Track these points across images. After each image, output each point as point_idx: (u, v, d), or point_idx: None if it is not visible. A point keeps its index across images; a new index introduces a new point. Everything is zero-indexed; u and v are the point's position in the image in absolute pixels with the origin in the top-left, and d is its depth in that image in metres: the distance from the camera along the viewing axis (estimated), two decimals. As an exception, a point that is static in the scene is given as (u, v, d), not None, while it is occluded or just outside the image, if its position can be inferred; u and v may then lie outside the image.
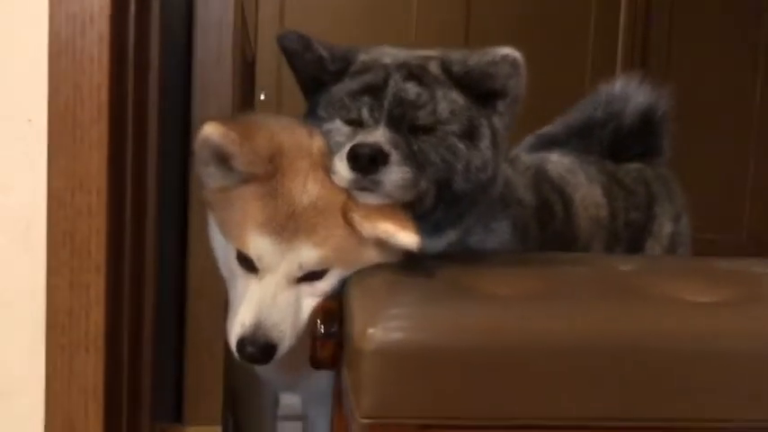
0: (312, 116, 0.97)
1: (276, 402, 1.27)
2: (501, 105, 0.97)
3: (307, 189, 0.85)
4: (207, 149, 0.81)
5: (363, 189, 0.87)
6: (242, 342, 0.82)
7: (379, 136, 0.87)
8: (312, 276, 0.85)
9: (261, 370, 1.05)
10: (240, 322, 0.83)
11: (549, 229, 1.19)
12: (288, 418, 1.45)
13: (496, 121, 0.97)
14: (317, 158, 0.88)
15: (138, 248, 0.76)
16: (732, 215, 3.77)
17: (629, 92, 1.47)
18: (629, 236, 1.37)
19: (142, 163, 0.75)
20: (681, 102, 3.31)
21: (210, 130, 0.78)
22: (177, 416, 0.94)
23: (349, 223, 0.85)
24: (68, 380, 0.69)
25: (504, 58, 0.92)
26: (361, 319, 0.73)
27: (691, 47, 3.54)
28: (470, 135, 0.94)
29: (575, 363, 0.72)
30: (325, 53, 0.95)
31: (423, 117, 0.91)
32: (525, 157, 1.34)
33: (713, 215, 3.71)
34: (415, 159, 0.88)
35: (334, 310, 0.86)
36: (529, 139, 1.49)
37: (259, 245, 0.83)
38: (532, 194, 1.18)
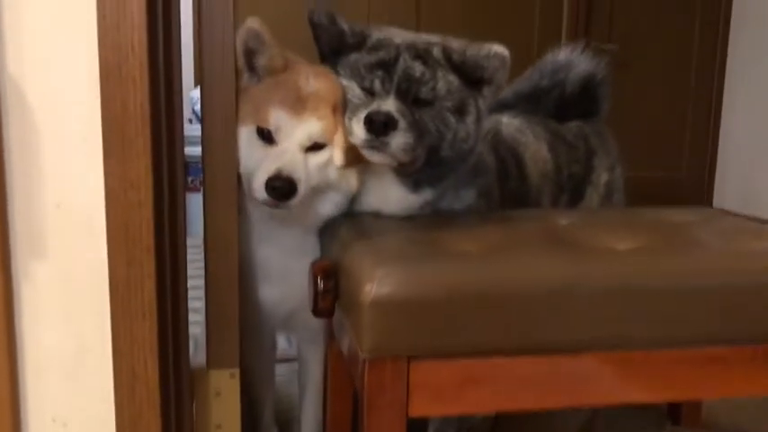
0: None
1: (274, 345, 1.47)
2: (487, 90, 1.16)
3: (309, 82, 1.10)
4: (243, 41, 1.09)
5: (373, 148, 1.07)
6: (269, 180, 1.05)
7: (390, 105, 1.06)
8: (316, 147, 1.10)
9: (265, 305, 1.24)
10: (266, 171, 1.06)
11: (506, 187, 1.39)
12: (284, 360, 1.66)
13: (481, 102, 1.16)
14: (315, 65, 1.15)
15: (173, 233, 0.94)
16: (673, 155, 4.05)
17: (572, 60, 1.66)
18: (572, 186, 1.57)
19: (173, 163, 0.92)
20: (626, 50, 3.57)
21: (253, 21, 1.08)
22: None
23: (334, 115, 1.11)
24: (130, 340, 0.88)
25: (496, 54, 1.12)
26: (359, 277, 0.92)
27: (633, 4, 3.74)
28: (460, 111, 1.13)
29: (523, 303, 0.92)
30: (346, 27, 1.15)
31: (424, 92, 1.10)
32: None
33: (657, 156, 4.01)
34: (416, 127, 1.08)
35: (330, 270, 1.05)
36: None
37: (277, 116, 1.08)
38: (493, 157, 1.38)
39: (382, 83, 1.10)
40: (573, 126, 1.63)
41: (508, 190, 1.40)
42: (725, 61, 3.95)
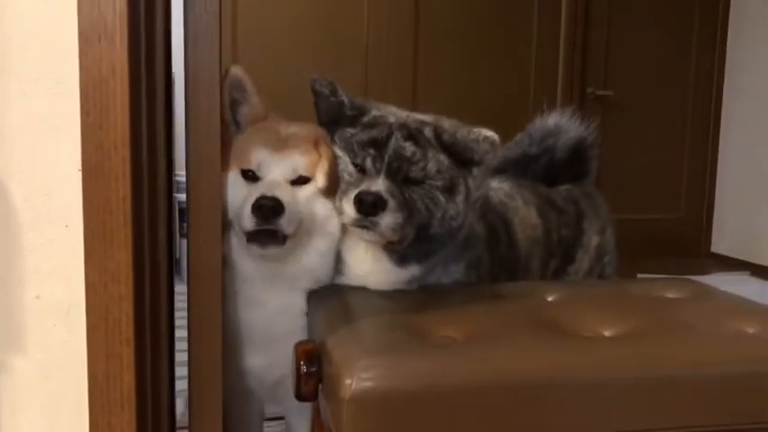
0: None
1: (262, 415, 1.46)
2: (476, 171, 1.17)
3: (289, 127, 1.14)
4: (228, 90, 1.12)
5: (362, 227, 1.08)
6: (257, 202, 1.05)
7: (380, 185, 1.07)
8: (301, 181, 1.11)
9: (251, 374, 1.23)
10: (251, 201, 1.06)
11: (495, 253, 1.39)
12: (273, 418, 1.64)
13: (471, 182, 1.17)
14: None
15: (155, 323, 0.94)
16: (671, 197, 4.05)
17: (561, 126, 1.66)
18: (562, 250, 1.56)
19: (155, 256, 0.93)
20: (622, 95, 3.58)
21: (236, 68, 1.11)
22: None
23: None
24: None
25: (486, 138, 1.13)
26: (339, 369, 0.91)
27: (629, 29, 3.77)
28: (450, 190, 1.14)
29: (508, 397, 0.90)
30: (346, 100, 1.16)
31: (415, 171, 1.11)
32: None
33: (655, 198, 4.01)
34: (405, 206, 1.08)
35: (313, 353, 1.04)
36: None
37: (260, 154, 1.10)
38: (482, 225, 1.38)
39: (373, 161, 1.11)
40: (562, 190, 1.63)
41: (498, 256, 1.39)
42: (720, 102, 3.98)
